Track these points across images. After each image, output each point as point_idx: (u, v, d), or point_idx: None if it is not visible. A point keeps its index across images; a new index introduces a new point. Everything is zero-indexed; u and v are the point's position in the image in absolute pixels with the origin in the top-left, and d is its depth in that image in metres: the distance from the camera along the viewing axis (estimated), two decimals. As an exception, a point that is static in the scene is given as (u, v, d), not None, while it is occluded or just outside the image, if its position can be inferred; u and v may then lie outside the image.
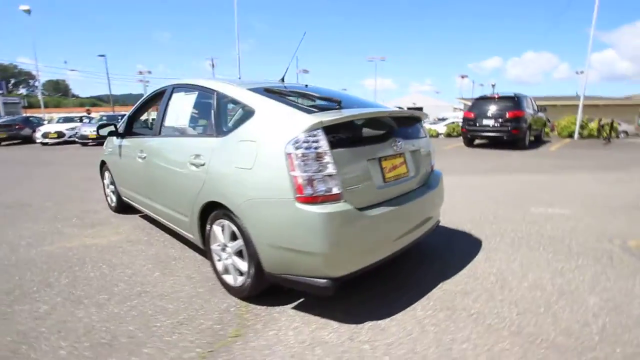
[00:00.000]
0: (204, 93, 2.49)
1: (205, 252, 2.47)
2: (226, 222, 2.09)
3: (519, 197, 4.59)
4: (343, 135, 1.85)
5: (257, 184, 1.82)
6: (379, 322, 1.88)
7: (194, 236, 2.47)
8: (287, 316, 1.96)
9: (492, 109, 10.33)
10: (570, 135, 13.80)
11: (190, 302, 2.11)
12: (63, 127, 15.02)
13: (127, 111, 4.02)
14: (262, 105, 1.99)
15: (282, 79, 2.75)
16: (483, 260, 2.64)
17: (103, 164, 4.10)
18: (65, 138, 14.65)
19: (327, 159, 1.71)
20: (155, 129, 2.87)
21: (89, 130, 13.17)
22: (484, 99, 10.96)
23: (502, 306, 2.02)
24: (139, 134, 3.34)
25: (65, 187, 5.61)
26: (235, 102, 2.21)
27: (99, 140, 13.72)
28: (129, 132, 3.48)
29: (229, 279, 2.19)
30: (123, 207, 3.93)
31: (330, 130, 1.77)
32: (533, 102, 11.64)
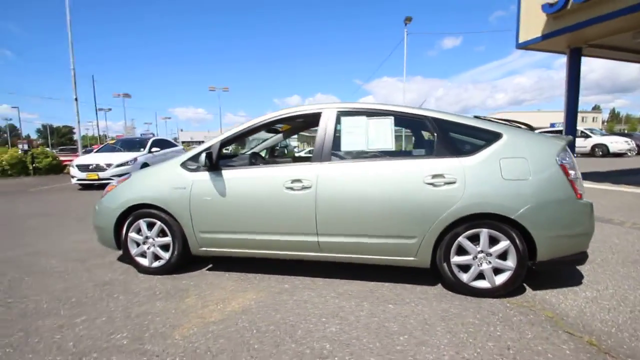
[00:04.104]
0: (407, 119, 2.67)
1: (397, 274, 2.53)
2: (485, 230, 2.37)
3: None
4: None
5: (538, 190, 2.30)
6: (586, 281, 2.69)
7: (416, 258, 2.48)
8: (538, 299, 2.41)
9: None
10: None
11: (471, 320, 2.23)
12: None
13: None
14: (507, 131, 2.47)
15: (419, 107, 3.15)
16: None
17: (130, 211, 2.93)
18: None
19: (577, 165, 2.43)
20: (321, 155, 2.62)
21: None
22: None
23: (619, 256, 3.18)
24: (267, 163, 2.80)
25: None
26: (468, 128, 2.55)
27: None
28: (217, 163, 2.80)
29: (481, 284, 2.43)
30: (180, 264, 2.96)
31: None
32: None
